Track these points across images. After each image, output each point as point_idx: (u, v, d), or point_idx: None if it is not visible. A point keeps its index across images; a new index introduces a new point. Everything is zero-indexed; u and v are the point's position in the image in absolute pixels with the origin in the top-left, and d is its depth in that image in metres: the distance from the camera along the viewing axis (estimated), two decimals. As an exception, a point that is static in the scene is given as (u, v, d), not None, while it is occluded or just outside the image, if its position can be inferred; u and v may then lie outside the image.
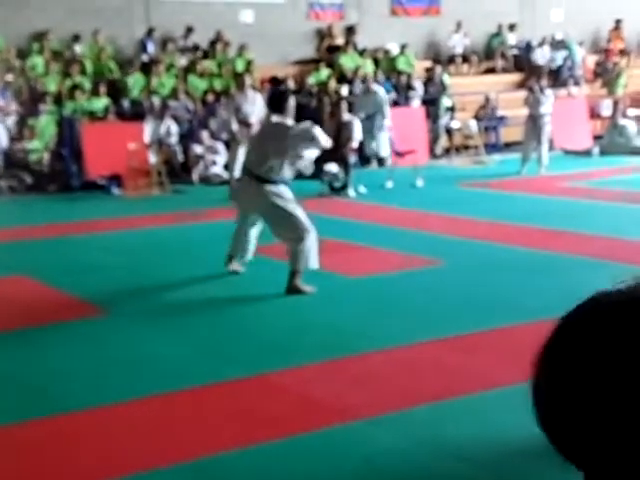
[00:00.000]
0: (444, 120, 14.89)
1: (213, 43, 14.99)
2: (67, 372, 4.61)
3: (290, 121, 6.18)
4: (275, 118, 6.19)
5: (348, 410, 3.98)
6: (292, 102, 6.28)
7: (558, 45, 17.91)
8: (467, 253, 7.34)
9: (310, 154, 6.14)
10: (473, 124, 14.66)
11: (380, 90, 13.13)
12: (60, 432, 3.83)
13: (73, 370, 4.64)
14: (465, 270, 6.72)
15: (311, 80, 14.79)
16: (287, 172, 6.13)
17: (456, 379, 4.36)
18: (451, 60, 17.22)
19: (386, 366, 4.56)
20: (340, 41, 16.17)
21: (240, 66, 14.42)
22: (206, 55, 14.80)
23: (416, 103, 14.59)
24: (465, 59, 17.31)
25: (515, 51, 17.92)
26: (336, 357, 4.68)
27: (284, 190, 6.13)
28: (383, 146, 12.94)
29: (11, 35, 13.32)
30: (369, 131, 12.64)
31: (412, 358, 4.69)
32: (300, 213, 6.09)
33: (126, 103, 13.31)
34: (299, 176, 6.30)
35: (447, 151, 14.90)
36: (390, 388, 4.25)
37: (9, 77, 12.70)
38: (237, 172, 11.96)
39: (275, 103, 6.23)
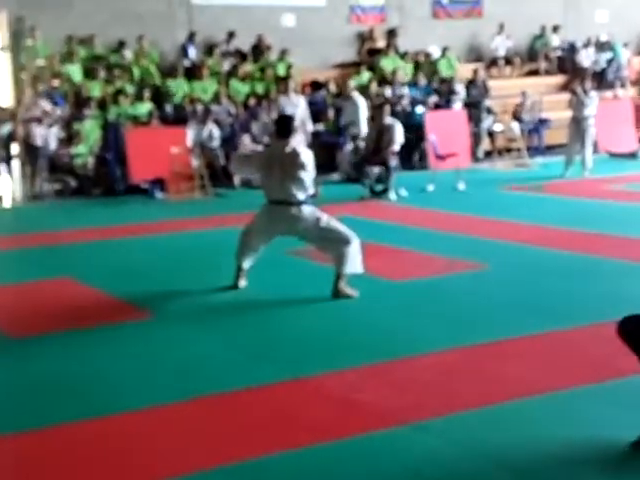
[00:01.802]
0: (486, 123, 14.78)
1: (255, 47, 15.06)
2: (112, 374, 4.66)
3: (297, 146, 6.17)
4: (283, 143, 6.14)
5: (391, 415, 3.96)
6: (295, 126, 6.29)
7: (603, 46, 17.67)
8: (510, 257, 7.27)
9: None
10: (516, 127, 14.53)
11: (359, 99, 13.10)
12: (105, 434, 3.86)
13: (118, 372, 4.69)
14: (508, 274, 6.65)
15: (352, 83, 14.77)
16: (304, 193, 6.10)
17: (500, 385, 4.32)
18: (493, 62, 17.09)
19: (429, 371, 4.54)
20: (381, 44, 16.14)
21: (281, 70, 14.47)
22: (245, 59, 14.87)
23: (458, 106, 14.49)
24: (508, 61, 17.16)
25: (559, 53, 17.72)
26: (379, 361, 4.66)
27: (311, 208, 6.11)
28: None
29: (56, 41, 13.52)
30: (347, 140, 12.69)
31: (456, 363, 4.65)
32: (338, 224, 6.09)
33: (169, 108, 13.43)
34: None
35: (489, 154, 14.78)
36: (433, 393, 4.22)
37: (55, 82, 12.90)
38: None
39: (281, 128, 6.22)
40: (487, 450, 3.57)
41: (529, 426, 3.80)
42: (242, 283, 6.38)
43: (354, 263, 6.04)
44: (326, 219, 6.06)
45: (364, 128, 12.83)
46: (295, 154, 6.03)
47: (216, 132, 12.64)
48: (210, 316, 5.72)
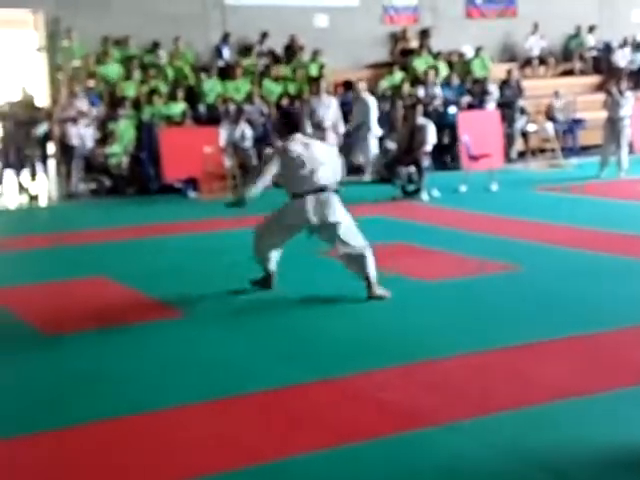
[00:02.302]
0: (520, 123, 14.67)
1: (288, 48, 15.10)
2: (142, 372, 4.69)
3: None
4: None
5: (423, 415, 3.94)
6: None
7: (639, 46, 17.46)
8: (544, 258, 7.21)
9: None
10: (550, 127, 14.40)
11: (369, 99, 13.02)
12: (134, 432, 3.88)
13: (148, 370, 4.72)
14: (542, 276, 6.60)
15: (384, 84, 14.76)
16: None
17: (532, 387, 4.28)
18: (527, 62, 16.96)
19: (462, 371, 4.51)
20: (414, 44, 16.10)
21: (314, 70, 14.49)
22: (278, 60, 14.91)
23: (491, 106, 14.40)
24: (542, 61, 17.03)
25: (594, 53, 17.54)
26: (410, 362, 4.65)
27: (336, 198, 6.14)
28: (369, 153, 13.00)
29: (92, 42, 13.67)
30: (358, 141, 12.64)
31: (488, 364, 4.62)
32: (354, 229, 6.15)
33: (202, 108, 13.52)
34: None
35: (523, 155, 14.67)
36: (466, 394, 4.20)
37: (90, 83, 13.04)
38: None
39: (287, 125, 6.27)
40: (523, 452, 3.53)
41: (566, 429, 3.76)
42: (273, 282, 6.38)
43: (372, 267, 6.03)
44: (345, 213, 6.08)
45: (375, 129, 12.80)
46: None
47: (248, 132, 12.70)
48: (240, 316, 5.74)
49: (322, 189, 6.10)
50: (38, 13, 13.76)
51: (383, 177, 12.40)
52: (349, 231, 6.10)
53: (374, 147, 12.98)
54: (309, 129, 11.82)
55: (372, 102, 12.99)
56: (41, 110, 12.65)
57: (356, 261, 6.05)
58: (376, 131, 12.93)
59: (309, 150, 6.11)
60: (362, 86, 13.18)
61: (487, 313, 5.62)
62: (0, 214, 11.22)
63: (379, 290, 6.03)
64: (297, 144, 6.13)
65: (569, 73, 17.20)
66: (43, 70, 13.95)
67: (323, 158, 6.15)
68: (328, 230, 6.09)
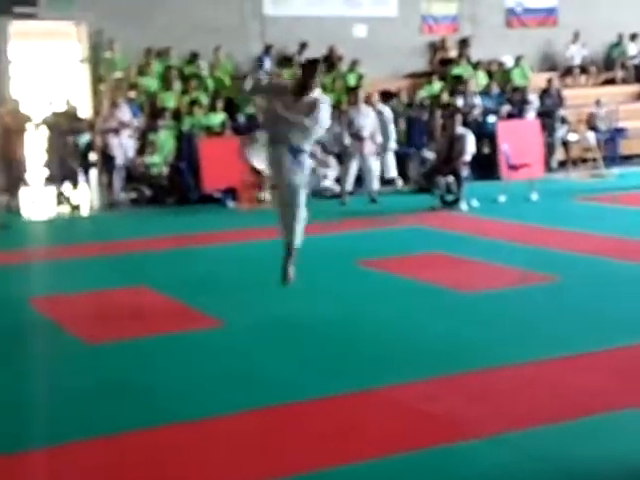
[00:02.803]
0: (560, 132, 14.54)
1: (326, 58, 15.14)
2: (183, 382, 4.72)
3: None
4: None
5: (464, 427, 3.92)
6: None
7: (682, 54, 17.22)
8: (585, 269, 7.13)
9: None
10: (591, 136, 14.25)
11: (385, 110, 12.92)
12: (167, 442, 3.89)
13: (188, 380, 4.75)
14: (583, 287, 6.52)
15: (423, 93, 14.72)
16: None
17: (576, 399, 4.23)
18: (568, 71, 16.81)
19: (503, 383, 4.48)
20: (453, 54, 16.05)
21: (352, 80, 14.52)
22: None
23: (531, 115, 14.29)
24: (583, 70, 16.86)
25: (636, 61, 17.31)
26: (450, 373, 4.63)
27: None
28: (391, 167, 12.95)
29: (134, 53, 13.86)
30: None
31: (530, 376, 4.58)
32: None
33: (241, 118, 13.61)
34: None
35: (563, 164, 14.53)
36: (508, 406, 4.16)
37: (132, 94, 13.21)
38: (349, 186, 12.08)
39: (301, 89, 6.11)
40: (568, 465, 3.49)
41: (611, 441, 3.71)
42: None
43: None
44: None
45: (392, 140, 12.71)
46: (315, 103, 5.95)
47: (288, 142, 12.72)
48: (278, 326, 5.75)
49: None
50: (81, 25, 13.99)
51: (422, 187, 12.37)
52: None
53: (392, 162, 12.95)
54: (347, 139, 11.84)
55: (389, 112, 12.96)
56: (83, 121, 12.84)
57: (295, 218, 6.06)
58: (392, 144, 12.90)
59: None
60: (375, 98, 13.07)
61: (528, 324, 5.57)
62: (42, 224, 11.40)
63: (292, 270, 6.10)
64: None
65: (611, 82, 17.00)
66: (86, 81, 14.16)
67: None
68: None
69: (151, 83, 13.63)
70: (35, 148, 12.71)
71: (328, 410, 4.22)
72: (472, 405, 4.17)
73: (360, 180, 12.29)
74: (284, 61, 14.94)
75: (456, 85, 14.74)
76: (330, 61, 14.97)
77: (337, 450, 3.73)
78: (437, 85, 14.94)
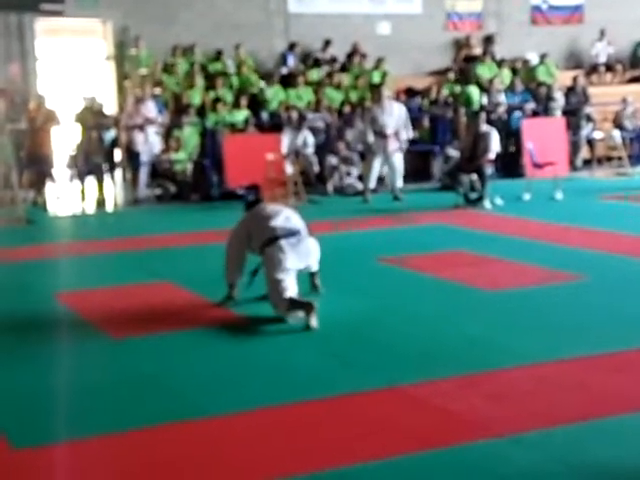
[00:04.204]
0: (586, 130, 14.44)
1: (350, 55, 15.14)
2: (208, 377, 4.75)
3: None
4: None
5: (487, 426, 3.92)
6: None
7: None
8: (611, 268, 7.08)
9: None
10: (617, 134, 14.14)
11: (398, 107, 12.00)
12: (199, 436, 3.92)
13: (213, 376, 4.78)
14: (609, 286, 6.48)
15: (446, 91, 14.68)
16: None
17: (600, 399, 4.21)
18: (594, 69, 16.68)
19: (526, 383, 4.46)
20: (478, 51, 15.99)
21: (376, 78, 14.51)
22: (344, 67, 14.97)
23: (556, 113, 14.20)
24: (609, 68, 16.73)
25: (663, 59, 17.17)
26: (474, 371, 4.62)
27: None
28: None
29: (159, 50, 13.94)
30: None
31: (553, 375, 4.56)
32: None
33: (265, 115, 13.65)
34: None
35: (588, 162, 14.43)
36: (531, 406, 4.15)
37: (157, 90, 13.29)
38: (372, 183, 12.07)
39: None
40: (588, 466, 3.48)
41: (633, 442, 3.69)
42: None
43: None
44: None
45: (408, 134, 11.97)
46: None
47: (310, 139, 12.77)
48: (303, 323, 5.76)
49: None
50: (107, 23, 14.09)
51: (446, 184, 12.34)
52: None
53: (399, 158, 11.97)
54: (371, 137, 11.83)
55: (403, 110, 11.99)
56: (109, 117, 12.93)
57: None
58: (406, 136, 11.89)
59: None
60: (387, 93, 12.30)
61: (553, 324, 5.55)
62: (68, 219, 11.50)
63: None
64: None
65: (637, 80, 16.84)
66: (111, 78, 14.26)
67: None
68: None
69: (174, 82, 13.70)
70: (61, 144, 12.82)
71: (354, 406, 4.23)
72: (494, 404, 4.17)
73: (383, 177, 12.28)
74: (307, 58, 14.96)
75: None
76: (353, 58, 14.96)
77: (361, 447, 3.74)
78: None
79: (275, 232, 5.91)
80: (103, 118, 12.70)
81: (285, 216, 6.07)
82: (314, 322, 5.55)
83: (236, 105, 13.36)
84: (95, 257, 8.46)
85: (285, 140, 12.51)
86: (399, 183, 11.98)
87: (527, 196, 11.31)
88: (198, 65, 13.98)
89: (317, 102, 13.77)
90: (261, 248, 5.97)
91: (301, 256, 5.96)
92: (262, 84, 13.87)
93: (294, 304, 5.68)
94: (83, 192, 12.36)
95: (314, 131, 13.04)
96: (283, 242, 5.86)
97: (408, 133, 11.92)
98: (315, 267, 6.27)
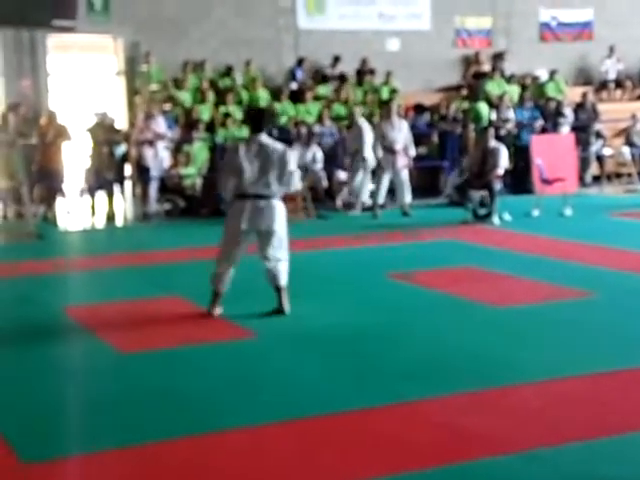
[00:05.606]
0: (595, 147, 14.43)
1: (359, 71, 15.19)
2: (216, 392, 4.76)
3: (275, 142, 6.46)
4: (264, 138, 6.34)
5: (497, 442, 3.90)
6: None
7: None
8: (620, 285, 7.07)
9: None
10: (627, 151, 14.13)
11: (364, 125, 12.20)
12: (206, 451, 3.93)
13: (222, 390, 4.78)
14: (618, 303, 6.47)
15: (358, 110, 14.55)
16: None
17: (611, 416, 4.20)
18: (603, 86, 16.69)
19: (536, 399, 4.45)
20: (487, 68, 16.02)
21: (385, 94, 14.54)
22: (359, 82, 14.98)
23: (565, 130, 14.21)
24: (618, 84, 16.74)
25: (672, 76, 17.16)
26: (483, 388, 4.61)
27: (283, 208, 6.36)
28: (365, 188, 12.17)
29: (170, 66, 14.02)
30: (356, 170, 12.11)
31: (563, 392, 4.55)
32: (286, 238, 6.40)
33: (274, 130, 13.67)
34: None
35: (597, 179, 14.41)
36: (543, 422, 4.14)
37: (167, 106, 13.35)
38: (381, 199, 12.08)
39: (255, 123, 6.43)
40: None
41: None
42: (218, 311, 6.42)
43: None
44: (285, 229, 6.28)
45: (369, 154, 12.06)
46: (279, 150, 6.26)
47: (319, 154, 12.80)
48: (312, 338, 5.77)
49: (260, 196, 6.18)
50: (118, 39, 14.19)
51: (455, 200, 12.34)
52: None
53: (366, 179, 12.13)
54: (380, 152, 11.85)
55: (366, 128, 12.12)
56: (119, 132, 12.99)
57: (281, 264, 6.33)
58: (370, 161, 12.04)
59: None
60: (358, 111, 12.58)
61: (562, 340, 5.54)
62: (78, 234, 11.54)
63: (287, 303, 6.24)
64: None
65: (646, 96, 16.86)
66: (122, 94, 14.34)
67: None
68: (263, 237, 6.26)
69: (185, 97, 13.76)
70: (72, 159, 12.88)
71: (363, 422, 4.23)
72: (504, 420, 4.16)
73: (392, 193, 12.29)
74: (316, 74, 15.01)
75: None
76: (363, 74, 14.99)
77: (367, 463, 3.73)
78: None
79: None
80: (114, 133, 12.77)
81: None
82: None
83: (246, 121, 13.39)
84: (104, 271, 8.48)
85: (294, 155, 12.51)
86: (408, 199, 11.99)
87: (536, 212, 11.30)
88: (207, 81, 14.05)
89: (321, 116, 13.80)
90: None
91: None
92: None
93: None
94: (93, 207, 12.40)
95: (322, 146, 13.04)
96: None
97: (411, 151, 11.99)
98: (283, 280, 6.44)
